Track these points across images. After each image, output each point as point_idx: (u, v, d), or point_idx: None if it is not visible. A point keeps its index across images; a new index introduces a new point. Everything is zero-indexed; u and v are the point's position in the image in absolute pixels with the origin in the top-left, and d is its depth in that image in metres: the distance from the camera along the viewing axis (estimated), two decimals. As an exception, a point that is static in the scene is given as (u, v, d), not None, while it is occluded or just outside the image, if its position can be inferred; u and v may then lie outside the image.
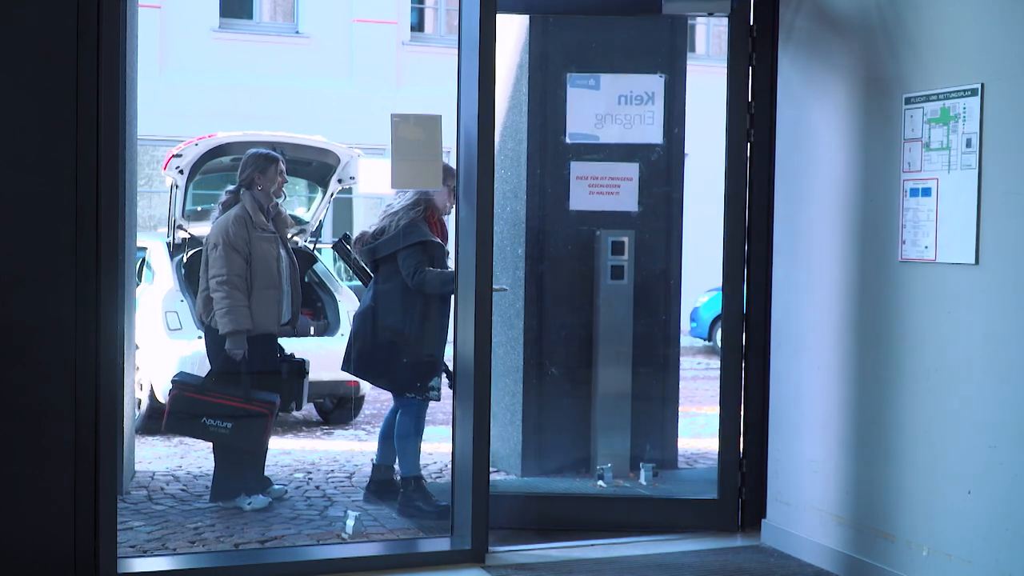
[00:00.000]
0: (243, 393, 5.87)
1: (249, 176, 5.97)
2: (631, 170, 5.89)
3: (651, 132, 5.80)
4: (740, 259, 5.48)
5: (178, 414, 5.89)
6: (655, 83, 5.80)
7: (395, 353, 5.86)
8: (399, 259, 5.74)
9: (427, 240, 5.79)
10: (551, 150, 6.17)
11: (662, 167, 6.21)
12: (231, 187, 6.04)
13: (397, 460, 5.98)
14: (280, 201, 6.08)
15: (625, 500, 5.92)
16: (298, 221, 10.01)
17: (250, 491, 5.98)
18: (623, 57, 6.15)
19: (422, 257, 5.77)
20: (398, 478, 6.00)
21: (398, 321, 5.79)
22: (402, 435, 5.91)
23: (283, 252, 6.02)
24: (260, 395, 5.96)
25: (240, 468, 6.05)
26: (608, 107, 5.83)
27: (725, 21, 5.46)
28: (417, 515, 5.75)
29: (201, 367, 8.51)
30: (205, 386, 5.89)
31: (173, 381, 5.97)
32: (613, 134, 5.86)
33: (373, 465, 6.14)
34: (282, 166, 6.03)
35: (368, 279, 6.17)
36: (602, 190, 5.88)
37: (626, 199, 5.92)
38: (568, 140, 5.98)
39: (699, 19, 5.67)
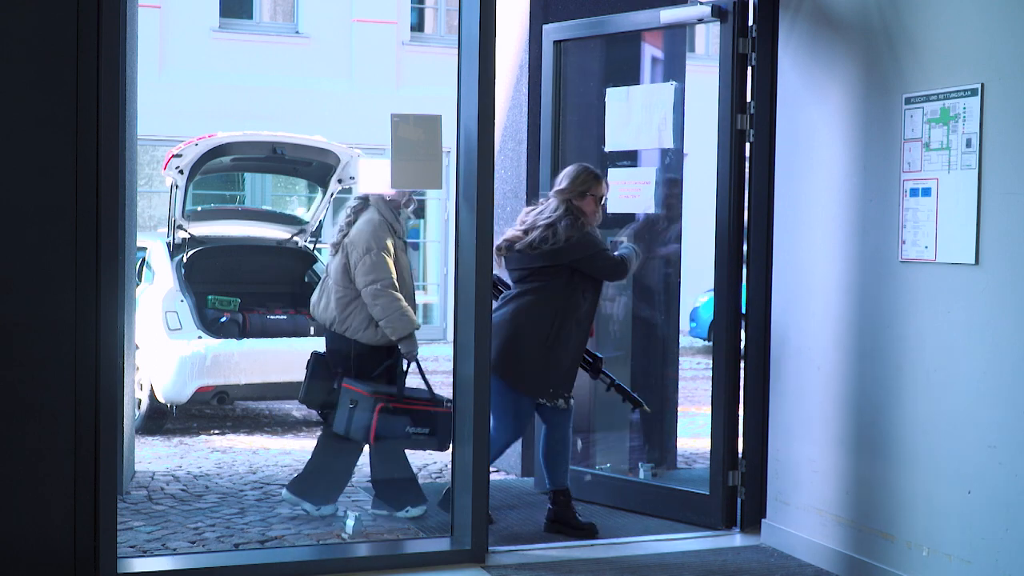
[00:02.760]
0: (430, 396, 5.72)
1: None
2: (649, 174, 6.07)
3: (666, 138, 5.98)
4: (734, 259, 5.51)
5: (386, 426, 5.61)
6: (668, 91, 5.99)
7: (545, 359, 5.49)
8: (592, 264, 5.52)
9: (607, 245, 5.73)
10: (592, 159, 6.29)
11: (673, 170, 6.27)
12: (360, 195, 5.84)
13: (546, 476, 5.65)
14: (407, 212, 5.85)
15: (622, 482, 6.07)
16: (298, 221, 10.04)
17: (410, 501, 5.84)
18: (632, 69, 6.39)
19: (611, 255, 5.62)
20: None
21: (547, 327, 5.46)
22: (554, 450, 5.61)
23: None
24: (441, 396, 5.77)
25: (400, 476, 5.90)
26: (633, 117, 6.07)
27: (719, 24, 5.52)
28: (566, 531, 5.45)
29: (200, 369, 8.57)
30: (400, 395, 5.64)
31: (374, 394, 5.60)
32: (636, 141, 6.10)
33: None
34: None
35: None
36: (628, 194, 6.03)
37: (645, 202, 6.10)
38: (606, 149, 6.17)
39: (697, 24, 5.78)
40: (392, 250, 5.61)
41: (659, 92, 6.03)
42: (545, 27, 6.31)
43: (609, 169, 6.13)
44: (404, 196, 5.71)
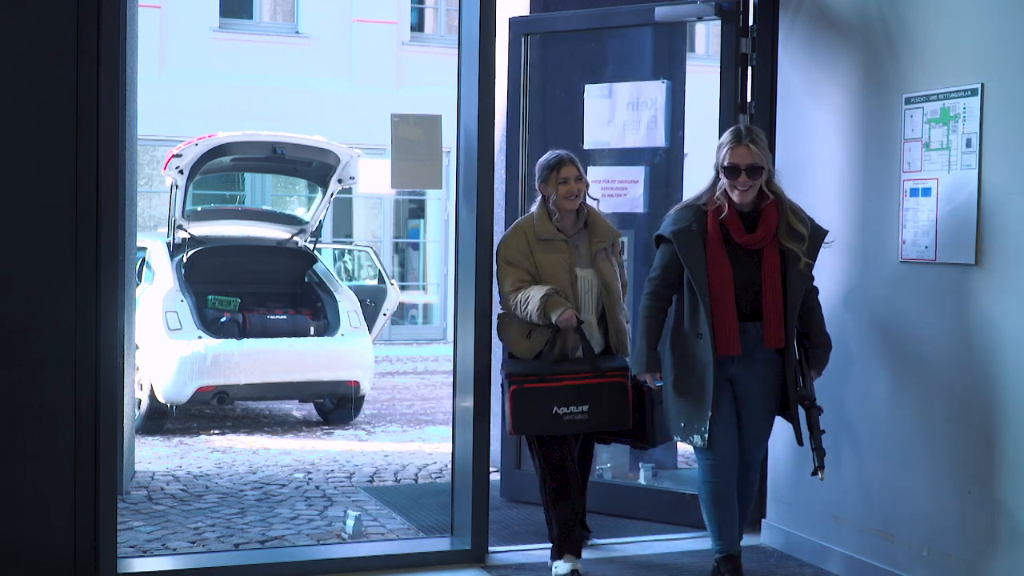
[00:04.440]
0: (591, 366, 4.75)
1: (537, 185, 4.98)
2: (637, 173, 5.97)
3: (656, 136, 5.89)
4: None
5: (524, 410, 4.73)
6: (659, 89, 5.92)
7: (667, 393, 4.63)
8: None
9: (670, 233, 4.47)
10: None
11: (663, 169, 6.25)
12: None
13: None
14: (593, 204, 5.00)
15: (621, 488, 5.98)
16: (298, 221, 10.05)
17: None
18: (631, 65, 6.27)
19: (660, 261, 4.52)
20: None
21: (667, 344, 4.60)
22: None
23: (583, 269, 4.87)
24: (611, 363, 4.79)
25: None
26: (618, 114, 5.97)
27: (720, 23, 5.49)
28: None
29: (200, 369, 8.57)
30: (543, 371, 4.74)
31: (508, 375, 4.79)
32: (623, 139, 5.99)
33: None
34: (567, 172, 4.84)
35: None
36: (614, 192, 5.97)
37: (633, 201, 6.00)
38: (585, 146, 6.07)
39: (696, 22, 5.71)
40: (528, 257, 4.83)
41: (648, 90, 5.93)
42: (511, 18, 6.05)
43: (589, 167, 5.96)
44: (554, 195, 4.85)
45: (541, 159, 4.96)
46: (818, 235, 4.47)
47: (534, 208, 4.99)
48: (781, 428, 5.27)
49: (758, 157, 4.35)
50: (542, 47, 6.16)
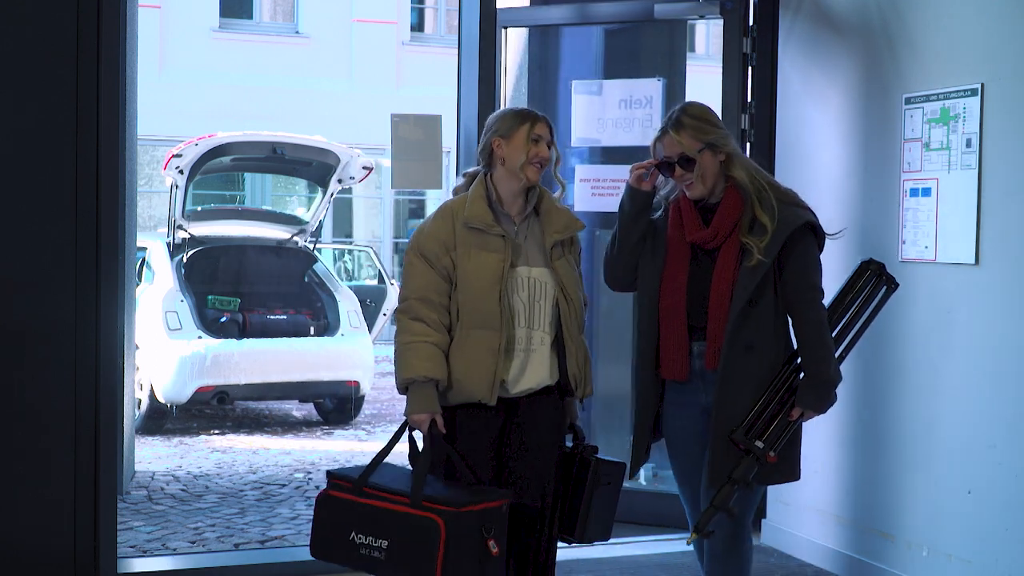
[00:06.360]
0: (412, 491, 3.34)
1: (486, 144, 3.54)
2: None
3: (650, 134, 5.83)
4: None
5: (323, 529, 3.47)
6: (654, 87, 5.85)
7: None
8: None
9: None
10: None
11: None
12: (470, 169, 3.66)
13: None
14: (558, 190, 3.66)
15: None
16: (298, 221, 10.05)
17: None
18: (625, 62, 6.20)
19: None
20: None
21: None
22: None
23: (534, 267, 3.51)
24: (441, 493, 3.35)
25: None
26: (610, 111, 5.90)
27: (722, 22, 5.47)
28: None
29: (200, 369, 8.57)
30: (360, 480, 3.43)
31: (327, 473, 3.56)
32: (614, 137, 5.90)
33: None
34: (542, 130, 3.52)
35: None
36: (603, 191, 5.91)
37: None
38: (572, 144, 5.99)
39: (698, 20, 5.64)
40: (449, 253, 3.45)
41: (643, 88, 5.86)
42: (500, 11, 5.60)
43: (577, 165, 5.92)
44: (522, 159, 3.48)
45: (500, 111, 3.65)
46: (786, 226, 3.48)
47: (459, 182, 3.65)
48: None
49: (685, 146, 3.51)
50: (540, 44, 6.12)
